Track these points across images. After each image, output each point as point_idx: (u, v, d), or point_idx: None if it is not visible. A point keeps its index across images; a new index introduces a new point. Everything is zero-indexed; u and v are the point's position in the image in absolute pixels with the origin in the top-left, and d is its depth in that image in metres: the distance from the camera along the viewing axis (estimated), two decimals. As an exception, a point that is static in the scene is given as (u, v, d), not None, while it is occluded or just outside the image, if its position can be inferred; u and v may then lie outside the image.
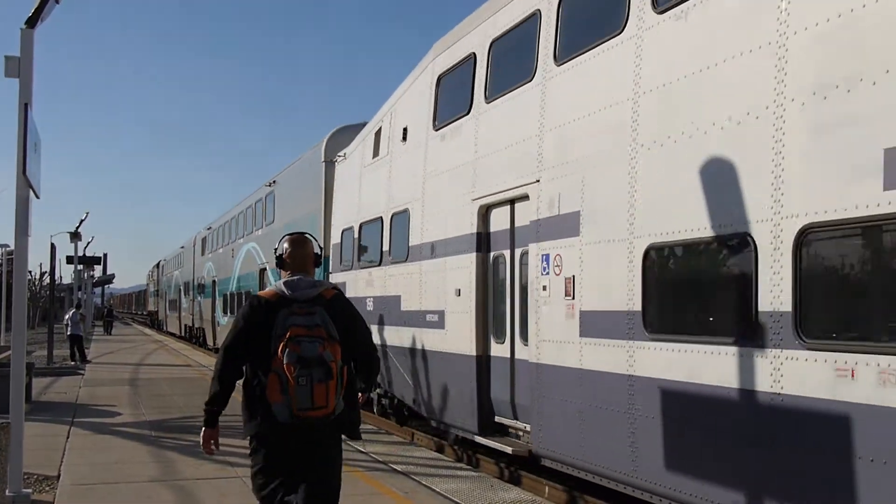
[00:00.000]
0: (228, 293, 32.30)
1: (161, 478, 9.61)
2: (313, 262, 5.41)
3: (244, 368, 5.17)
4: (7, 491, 8.37)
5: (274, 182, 25.62)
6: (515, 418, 10.62)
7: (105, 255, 65.36)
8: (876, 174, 5.61)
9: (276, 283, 5.29)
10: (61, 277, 67.05)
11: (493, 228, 11.13)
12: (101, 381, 21.12)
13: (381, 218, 14.70)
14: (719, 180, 6.99)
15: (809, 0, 6.30)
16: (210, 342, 36.57)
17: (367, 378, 5.39)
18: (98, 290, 79.12)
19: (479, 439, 11.25)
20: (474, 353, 11.19)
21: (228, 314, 31.36)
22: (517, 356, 10.47)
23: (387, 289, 14.14)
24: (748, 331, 6.60)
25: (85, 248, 55.00)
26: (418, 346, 12.78)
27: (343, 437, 5.30)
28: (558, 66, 9.49)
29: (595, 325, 8.62)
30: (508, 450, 10.36)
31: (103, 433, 12.89)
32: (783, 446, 6.32)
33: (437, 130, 12.68)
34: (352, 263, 16.01)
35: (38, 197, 8.97)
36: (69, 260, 49.52)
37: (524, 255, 10.20)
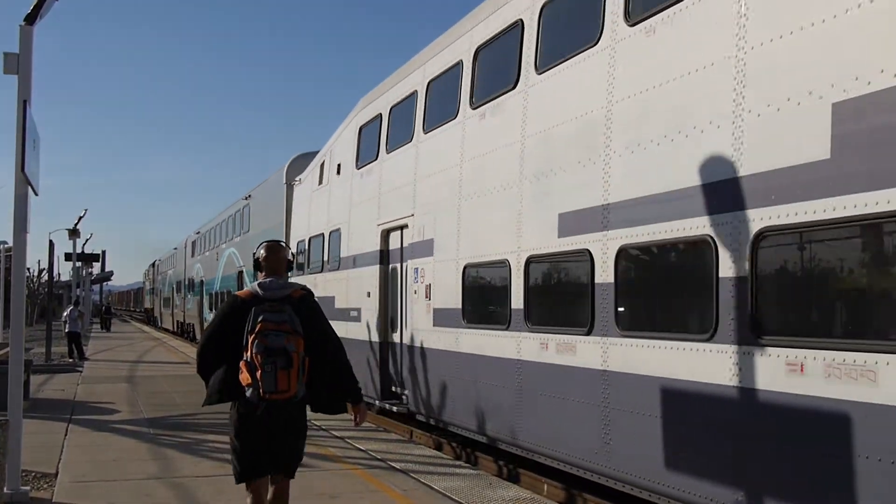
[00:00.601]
0: (213, 292, 36.11)
1: (159, 475, 9.61)
2: (286, 266, 6.22)
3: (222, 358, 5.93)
4: (5, 488, 8.37)
5: (249, 196, 29.71)
6: (402, 387, 14.03)
7: (103, 253, 65.33)
8: (555, 229, 9.41)
9: (252, 284, 6.11)
10: (59, 275, 66.95)
11: (390, 247, 14.62)
12: (99, 379, 21.13)
13: (323, 234, 18.38)
14: (496, 225, 10.82)
15: (532, 127, 10.04)
16: (198, 336, 38.88)
17: (340, 370, 6.06)
18: (96, 287, 79.05)
19: (378, 403, 14.77)
20: (378, 340, 14.77)
21: (213, 311, 34.33)
22: (405, 342, 13.79)
23: (326, 291, 17.25)
24: (507, 319, 10.38)
25: (83, 245, 55.02)
26: (346, 336, 14.37)
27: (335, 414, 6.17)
28: (426, 134, 13.11)
29: (441, 318, 12.30)
30: (395, 409, 14.14)
31: (101, 430, 12.90)
32: (533, 395, 9.87)
33: (358, 169, 16.32)
34: (304, 269, 19.41)
35: (36, 194, 8.96)
36: (67, 257, 49.48)
37: (407, 268, 13.76)
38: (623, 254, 8.25)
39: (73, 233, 45.73)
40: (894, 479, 5.50)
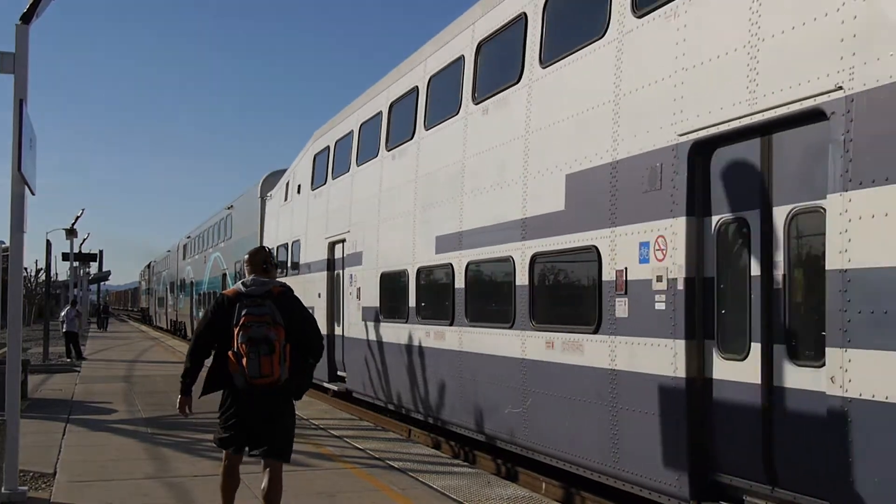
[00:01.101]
0: (202, 292, 39.58)
1: (157, 475, 9.61)
2: (271, 265, 7.05)
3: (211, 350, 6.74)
4: (3, 488, 8.36)
5: (231, 206, 33.59)
6: (343, 370, 17.27)
7: (101, 252, 65.29)
8: (433, 248, 12.60)
9: (237, 283, 6.91)
10: (57, 274, 66.87)
11: (336, 256, 17.82)
12: (96, 378, 21.13)
13: (287, 243, 21.83)
14: (400, 243, 14.04)
15: (422, 170, 13.33)
16: (189, 333, 41.35)
17: (309, 350, 6.80)
18: (94, 287, 78.95)
19: (326, 384, 18.08)
20: (326, 333, 17.21)
21: (202, 309, 36.78)
22: (344, 334, 17.17)
23: None
24: (406, 315, 13.72)
25: (80, 244, 54.89)
26: None
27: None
28: (358, 166, 16.54)
29: (366, 314, 15.69)
30: (335, 388, 17.64)
31: (99, 430, 12.89)
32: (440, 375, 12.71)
33: (313, 191, 19.67)
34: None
35: (33, 193, 8.95)
36: (65, 257, 49.37)
37: (344, 274, 17.20)
38: (469, 266, 11.70)
39: (71, 232, 45.63)
40: (591, 410, 8.82)
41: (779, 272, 6.76)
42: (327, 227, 18.15)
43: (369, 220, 15.57)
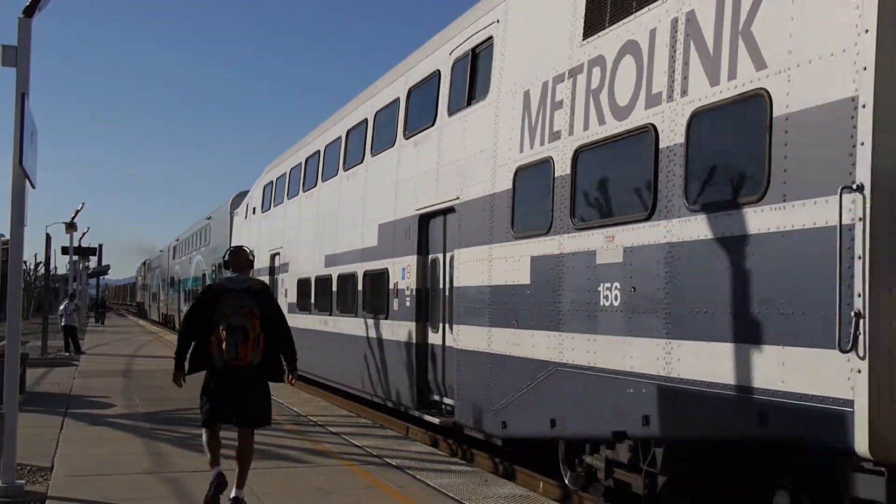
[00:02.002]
0: (187, 289, 46.00)
1: (155, 470, 9.62)
2: (247, 264, 8.21)
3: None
4: (0, 481, 8.35)
5: (210, 217, 40.51)
6: None
7: (100, 247, 65.33)
8: (324, 262, 19.02)
9: (222, 278, 8.18)
10: (56, 268, 66.88)
11: (274, 265, 23.83)
12: (95, 373, 21.14)
13: None
14: (308, 258, 20.12)
15: (321, 209, 19.45)
16: (177, 325, 45.38)
17: (280, 338, 7.91)
18: (93, 281, 78.97)
19: None
20: None
21: (187, 304, 41.44)
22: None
23: None
24: (310, 308, 19.64)
25: (80, 238, 54.90)
26: None
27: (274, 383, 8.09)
28: (287, 199, 22.41)
29: (291, 308, 20.79)
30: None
31: (97, 424, 12.90)
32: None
33: (263, 213, 25.63)
34: None
35: (33, 187, 8.95)
36: (64, 251, 49.38)
37: (279, 278, 23.16)
38: (339, 277, 17.48)
39: (71, 226, 45.66)
40: (385, 363, 14.64)
41: (446, 287, 12.49)
42: (270, 242, 24.11)
43: (293, 240, 21.80)
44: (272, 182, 24.68)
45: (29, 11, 8.64)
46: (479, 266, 11.20)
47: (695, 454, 7.82)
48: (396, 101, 14.68)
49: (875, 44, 5.87)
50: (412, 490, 8.88)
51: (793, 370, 6.32)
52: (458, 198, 11.89)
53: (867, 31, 5.92)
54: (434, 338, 13.00)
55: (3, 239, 35.60)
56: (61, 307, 30.57)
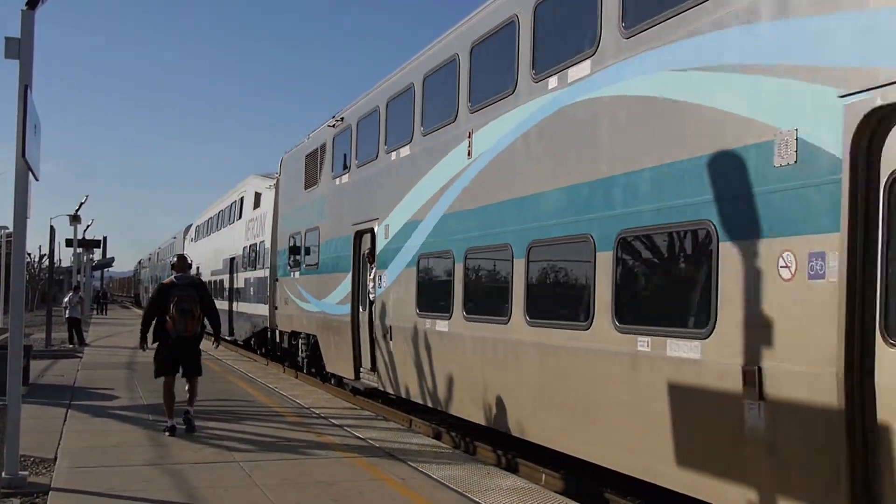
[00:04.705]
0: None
1: (158, 461, 9.63)
2: (188, 267, 12.17)
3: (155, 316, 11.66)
4: (3, 473, 8.37)
5: (175, 237, 51.09)
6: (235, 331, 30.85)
7: (105, 239, 65.14)
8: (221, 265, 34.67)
9: (169, 276, 11.95)
10: (60, 260, 66.99)
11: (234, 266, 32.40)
12: (99, 365, 21.17)
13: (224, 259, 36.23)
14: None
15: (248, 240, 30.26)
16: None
17: (211, 315, 11.74)
18: (97, 273, 79.10)
19: (228, 337, 31.18)
20: (227, 309, 31.47)
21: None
22: (237, 310, 30.84)
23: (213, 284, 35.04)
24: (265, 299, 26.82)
25: (85, 230, 54.96)
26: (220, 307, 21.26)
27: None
28: (230, 224, 33.10)
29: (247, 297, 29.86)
30: (229, 338, 31.41)
31: (101, 416, 12.92)
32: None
33: (205, 237, 40.12)
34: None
35: (37, 179, 8.94)
36: (68, 243, 49.40)
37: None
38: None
39: (75, 218, 45.66)
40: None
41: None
42: (227, 251, 32.96)
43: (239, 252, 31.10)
44: (241, 202, 32.73)
45: (32, 3, 8.62)
46: None
47: None
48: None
49: None
50: (415, 482, 8.90)
51: None
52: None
53: None
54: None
55: (6, 231, 35.62)
56: (65, 299, 30.63)
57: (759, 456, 6.54)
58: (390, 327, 14.09)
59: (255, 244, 27.39)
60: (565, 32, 9.74)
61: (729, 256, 6.90)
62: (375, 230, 14.87)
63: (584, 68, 8.98)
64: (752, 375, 6.56)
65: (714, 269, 7.04)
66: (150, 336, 11.50)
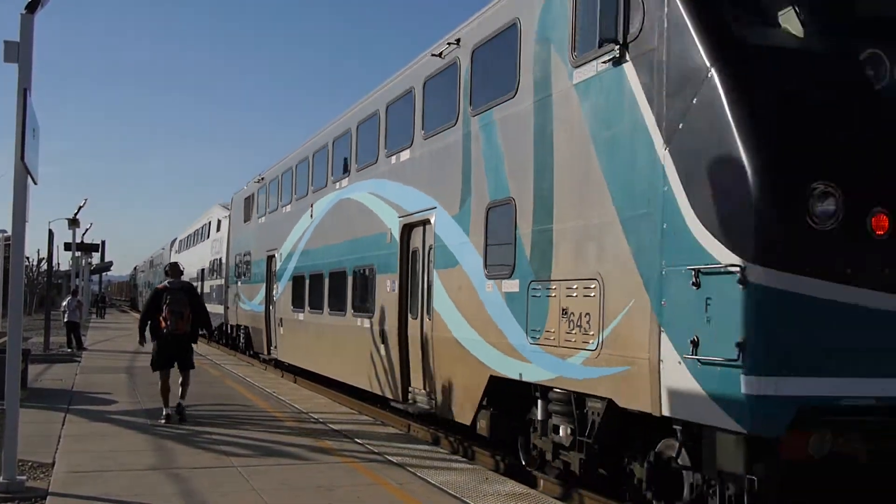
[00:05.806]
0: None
1: (157, 466, 9.61)
2: (180, 273, 13.62)
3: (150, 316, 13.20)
4: (1, 477, 8.35)
5: (163, 249, 57.28)
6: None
7: (103, 243, 65.26)
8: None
9: (163, 281, 13.39)
10: (59, 264, 66.88)
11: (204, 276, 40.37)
12: (97, 369, 21.14)
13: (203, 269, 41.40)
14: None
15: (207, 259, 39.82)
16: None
17: (201, 317, 13.27)
18: (96, 277, 79.11)
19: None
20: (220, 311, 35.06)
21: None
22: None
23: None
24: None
25: (83, 234, 54.89)
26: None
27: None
28: (202, 242, 41.76)
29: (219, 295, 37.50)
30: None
31: (99, 421, 12.90)
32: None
33: (185, 249, 48.10)
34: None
35: (35, 183, 8.94)
36: (67, 246, 49.40)
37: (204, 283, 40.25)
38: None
39: (73, 222, 45.65)
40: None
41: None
42: (200, 264, 39.25)
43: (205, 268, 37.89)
44: (217, 222, 40.52)
45: (31, 7, 8.63)
46: None
47: None
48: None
49: None
50: (413, 487, 8.88)
51: None
52: None
53: None
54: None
55: (5, 234, 35.64)
56: (64, 303, 30.60)
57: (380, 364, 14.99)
58: (280, 319, 22.69)
59: (218, 259, 35.70)
60: (343, 161, 17.98)
61: (379, 280, 14.91)
62: (276, 255, 23.40)
63: (345, 182, 17.61)
64: (382, 331, 14.64)
65: (373, 286, 15.16)
66: (147, 334, 13.02)
